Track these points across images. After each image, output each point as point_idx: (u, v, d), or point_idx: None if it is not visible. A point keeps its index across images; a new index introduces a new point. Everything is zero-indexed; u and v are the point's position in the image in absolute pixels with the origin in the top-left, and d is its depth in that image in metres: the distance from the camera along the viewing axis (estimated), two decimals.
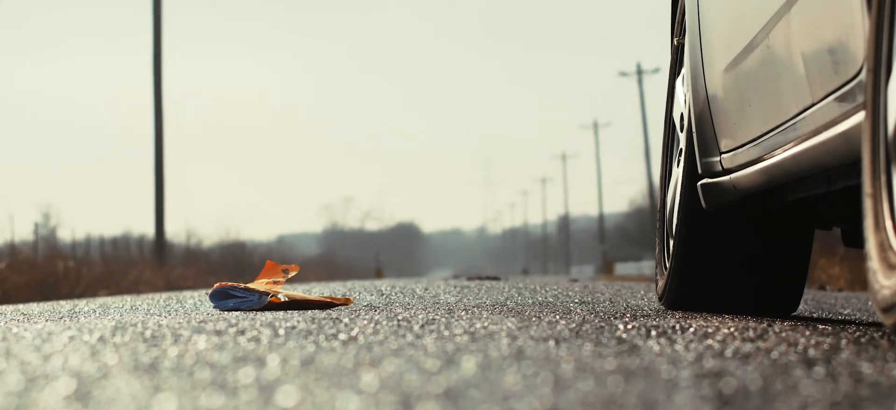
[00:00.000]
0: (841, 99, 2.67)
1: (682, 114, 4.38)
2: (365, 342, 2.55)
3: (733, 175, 3.75)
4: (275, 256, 35.78)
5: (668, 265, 4.44)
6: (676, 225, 4.33)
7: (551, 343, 2.53)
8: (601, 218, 75.57)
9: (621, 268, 44.90)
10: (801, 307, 5.00)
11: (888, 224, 2.19)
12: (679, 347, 2.44)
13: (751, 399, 1.70)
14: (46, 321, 3.88)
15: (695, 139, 4.11)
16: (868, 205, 2.29)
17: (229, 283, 4.59)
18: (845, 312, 4.87)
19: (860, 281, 14.50)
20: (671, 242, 4.40)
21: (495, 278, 12.44)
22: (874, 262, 2.25)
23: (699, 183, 4.12)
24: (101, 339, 2.66)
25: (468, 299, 5.08)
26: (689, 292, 4.32)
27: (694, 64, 4.12)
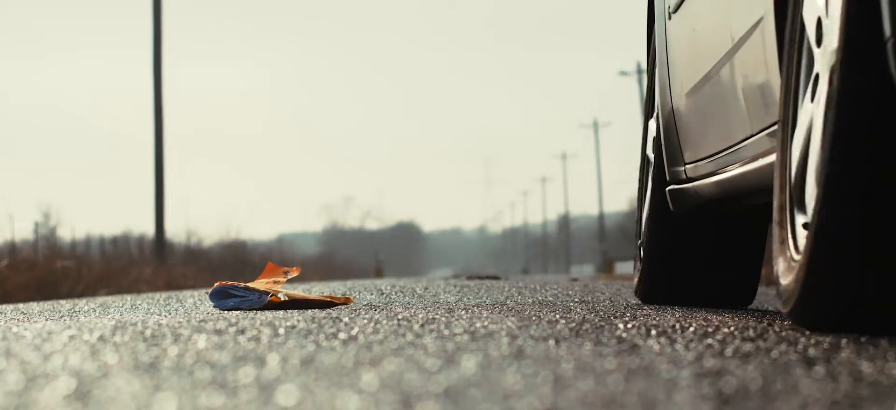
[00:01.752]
0: (771, 135, 3.24)
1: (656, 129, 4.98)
2: (365, 341, 2.55)
3: (695, 183, 4.26)
4: (275, 255, 35.79)
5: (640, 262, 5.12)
6: (647, 227, 4.96)
7: (551, 342, 2.53)
8: (601, 217, 75.56)
9: (621, 268, 44.91)
10: None
11: (790, 244, 2.86)
12: (679, 346, 2.44)
13: (751, 398, 1.70)
14: (46, 320, 3.88)
15: (663, 150, 4.70)
16: (777, 230, 2.97)
17: (229, 283, 4.59)
18: None
19: None
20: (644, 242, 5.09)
21: (495, 277, 12.41)
22: (780, 268, 2.91)
23: (667, 188, 4.68)
24: (101, 338, 2.66)
25: (468, 298, 5.08)
26: (659, 286, 4.89)
27: (663, 87, 4.72)
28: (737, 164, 3.66)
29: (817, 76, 2.73)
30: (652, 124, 5.12)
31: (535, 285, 6.76)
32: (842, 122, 2.49)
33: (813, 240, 2.59)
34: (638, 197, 5.40)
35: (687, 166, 4.39)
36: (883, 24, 2.43)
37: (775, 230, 3.02)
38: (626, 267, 44.87)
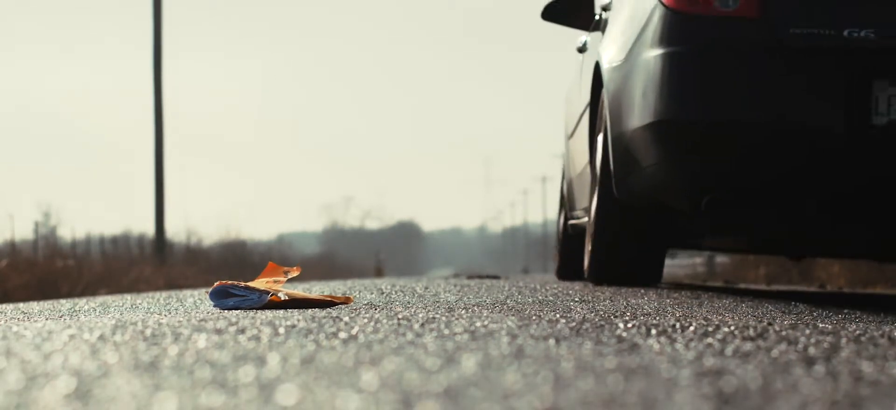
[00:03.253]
0: (587, 210, 6.79)
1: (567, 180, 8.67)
2: (365, 340, 2.55)
3: (577, 221, 7.77)
4: (275, 255, 35.77)
5: (558, 258, 9.15)
6: (587, 236, 7.41)
7: (551, 341, 2.53)
8: None
9: None
10: (801, 306, 5.03)
11: (587, 248, 6.32)
12: (679, 346, 2.44)
13: (751, 397, 1.70)
14: (46, 319, 3.88)
15: (566, 201, 8.66)
16: (587, 242, 6.39)
17: (229, 282, 4.58)
18: (845, 311, 4.87)
19: (860, 280, 14.50)
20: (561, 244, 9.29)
21: (495, 277, 12.47)
22: (586, 259, 6.28)
23: (569, 221, 8.36)
24: (102, 338, 2.66)
25: (468, 298, 5.08)
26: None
27: (566, 171, 8.73)
28: (583, 216, 7.22)
29: (593, 190, 6.28)
30: (564, 185, 8.80)
31: (535, 284, 6.75)
32: (599, 201, 5.98)
33: (591, 250, 6.19)
34: (556, 219, 9.22)
35: (575, 212, 8.08)
36: (610, 165, 5.85)
37: (587, 242, 6.47)
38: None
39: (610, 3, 6.15)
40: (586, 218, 6.46)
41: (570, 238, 7.97)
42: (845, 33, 4.98)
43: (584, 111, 6.60)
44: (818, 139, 5.00)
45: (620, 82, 5.46)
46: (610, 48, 5.78)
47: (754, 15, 5.02)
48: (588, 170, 6.45)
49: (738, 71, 5.02)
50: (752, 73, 5.01)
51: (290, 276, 4.83)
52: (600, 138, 5.97)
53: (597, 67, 6.02)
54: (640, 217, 5.92)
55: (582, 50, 7.23)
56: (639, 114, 5.21)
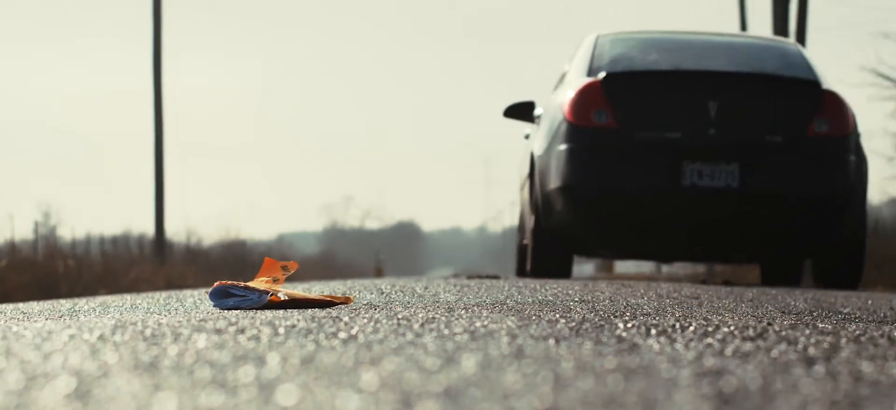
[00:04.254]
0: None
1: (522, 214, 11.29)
2: (365, 340, 2.55)
3: (525, 240, 10.26)
4: (275, 254, 35.76)
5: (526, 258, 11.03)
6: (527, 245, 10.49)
7: (551, 341, 2.53)
8: None
9: (621, 267, 44.91)
10: (801, 305, 5.03)
11: (529, 249, 9.60)
12: (679, 346, 2.44)
13: (751, 397, 1.70)
14: (46, 319, 3.88)
15: (520, 227, 11.17)
16: (517, 259, 11.33)
17: (229, 282, 4.58)
18: (845, 311, 4.87)
19: (860, 280, 14.49)
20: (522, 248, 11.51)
21: (495, 276, 12.47)
22: (529, 258, 9.78)
23: (523, 241, 10.70)
24: (101, 338, 2.66)
25: (468, 297, 5.08)
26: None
27: (521, 206, 11.03)
28: (527, 238, 9.74)
29: (531, 222, 9.62)
30: (519, 218, 11.43)
31: (534, 284, 6.76)
32: (534, 229, 9.29)
33: (531, 257, 9.34)
34: (517, 238, 11.63)
35: (523, 235, 10.74)
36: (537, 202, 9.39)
37: (529, 253, 9.54)
38: (627, 267, 44.90)
39: (540, 114, 9.80)
40: (527, 239, 9.87)
41: (522, 249, 10.87)
42: (665, 135, 8.64)
43: (527, 176, 9.84)
44: (652, 195, 8.68)
45: (544, 163, 9.02)
46: (539, 142, 9.28)
47: (614, 126, 8.67)
48: (529, 210, 9.62)
49: (607, 157, 8.69)
50: (615, 159, 8.68)
51: (288, 272, 4.83)
52: (535, 193, 9.29)
53: (531, 154, 9.51)
54: (556, 238, 9.21)
55: (527, 137, 10.85)
56: (554, 180, 8.82)
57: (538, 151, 9.16)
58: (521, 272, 10.96)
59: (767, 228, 8.74)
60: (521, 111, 10.47)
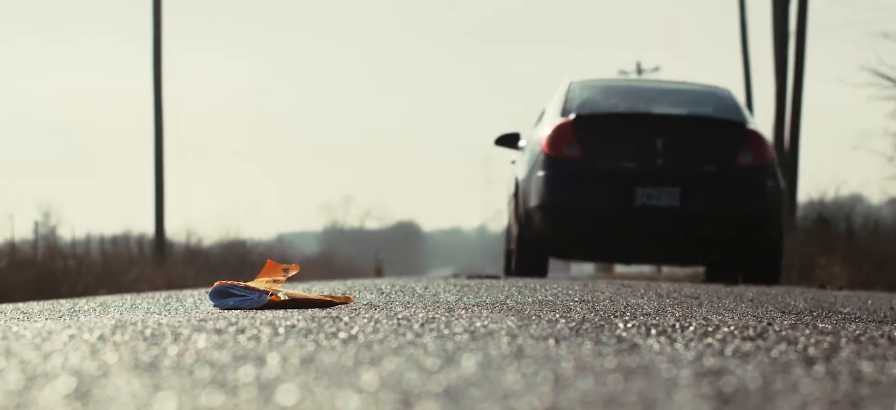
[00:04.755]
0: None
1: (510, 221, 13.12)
2: (365, 340, 2.55)
3: (510, 247, 12.35)
4: (275, 254, 35.74)
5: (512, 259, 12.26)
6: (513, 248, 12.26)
7: (551, 341, 2.53)
8: None
9: (621, 267, 44.91)
10: (801, 304, 5.03)
11: (514, 252, 11.83)
12: (679, 346, 2.44)
13: (751, 397, 1.70)
14: (46, 319, 3.88)
15: (507, 236, 13.01)
16: (515, 248, 11.91)
17: (229, 282, 4.58)
18: (845, 311, 4.87)
19: (860, 280, 14.50)
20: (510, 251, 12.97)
21: (495, 276, 12.52)
22: (513, 260, 12.26)
23: (509, 246, 12.47)
24: (101, 338, 2.66)
25: (468, 297, 5.07)
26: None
27: (508, 219, 12.97)
28: (513, 244, 11.92)
29: (515, 231, 11.84)
30: (507, 228, 13.07)
31: (534, 284, 6.76)
32: (518, 237, 11.41)
33: (515, 259, 11.49)
34: (505, 244, 13.50)
35: (510, 242, 12.50)
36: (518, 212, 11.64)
37: (513, 256, 11.90)
38: (626, 267, 44.93)
39: (524, 146, 11.86)
40: (513, 245, 11.85)
41: (508, 253, 12.69)
42: (622, 165, 10.67)
43: (513, 195, 12.06)
44: (613, 213, 10.71)
45: (526, 185, 11.07)
46: (522, 168, 11.42)
47: (582, 157, 10.70)
48: (514, 222, 11.79)
49: (576, 182, 10.69)
50: (582, 183, 10.69)
51: (289, 274, 4.83)
52: (519, 209, 11.35)
53: (516, 178, 11.72)
54: (535, 245, 11.17)
55: (513, 162, 12.68)
56: (534, 199, 10.86)
57: (521, 176, 11.35)
58: (507, 272, 12.83)
59: (703, 239, 10.90)
60: (509, 141, 12.50)
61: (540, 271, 11.34)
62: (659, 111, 11.08)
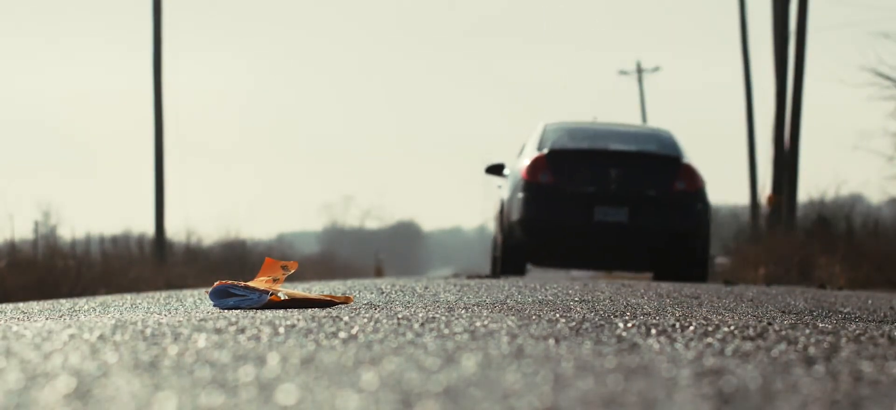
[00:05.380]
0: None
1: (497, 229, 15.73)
2: (365, 340, 2.55)
3: (496, 253, 14.99)
4: (275, 254, 35.71)
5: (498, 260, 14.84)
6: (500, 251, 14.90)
7: (551, 341, 2.53)
8: None
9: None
10: (801, 304, 5.03)
11: (499, 255, 14.63)
12: (679, 345, 2.44)
13: (751, 397, 1.70)
14: (46, 319, 3.88)
15: (494, 243, 15.64)
16: (500, 253, 14.72)
17: (229, 282, 4.58)
18: (845, 311, 4.87)
19: (860, 279, 14.49)
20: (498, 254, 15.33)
21: (494, 276, 12.73)
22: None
23: (495, 252, 15.03)
24: (101, 337, 2.66)
25: (468, 297, 5.08)
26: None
27: (495, 229, 15.65)
28: (497, 251, 14.56)
29: (500, 240, 14.63)
30: (494, 237, 15.49)
31: (534, 284, 6.76)
32: (502, 245, 14.20)
33: (501, 263, 14.06)
34: (491, 250, 16.19)
35: (495, 248, 15.02)
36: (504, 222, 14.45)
37: (498, 260, 14.57)
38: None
39: (508, 174, 14.40)
40: (498, 252, 14.33)
41: (494, 259, 14.99)
42: (584, 189, 13.37)
43: (498, 212, 14.53)
44: (577, 227, 13.44)
45: (509, 205, 13.73)
46: (506, 192, 14.04)
47: (553, 182, 13.40)
48: (499, 234, 14.32)
49: (548, 202, 13.40)
50: (553, 203, 13.40)
51: (288, 272, 4.83)
52: (503, 223, 13.97)
53: (501, 199, 14.35)
54: (516, 252, 13.80)
55: (499, 187, 15.10)
56: (515, 215, 13.48)
57: (506, 197, 14.20)
58: (494, 273, 15.11)
59: (646, 248, 13.81)
60: (496, 169, 15.31)
61: (520, 272, 14.23)
62: (613, 148, 14.00)
